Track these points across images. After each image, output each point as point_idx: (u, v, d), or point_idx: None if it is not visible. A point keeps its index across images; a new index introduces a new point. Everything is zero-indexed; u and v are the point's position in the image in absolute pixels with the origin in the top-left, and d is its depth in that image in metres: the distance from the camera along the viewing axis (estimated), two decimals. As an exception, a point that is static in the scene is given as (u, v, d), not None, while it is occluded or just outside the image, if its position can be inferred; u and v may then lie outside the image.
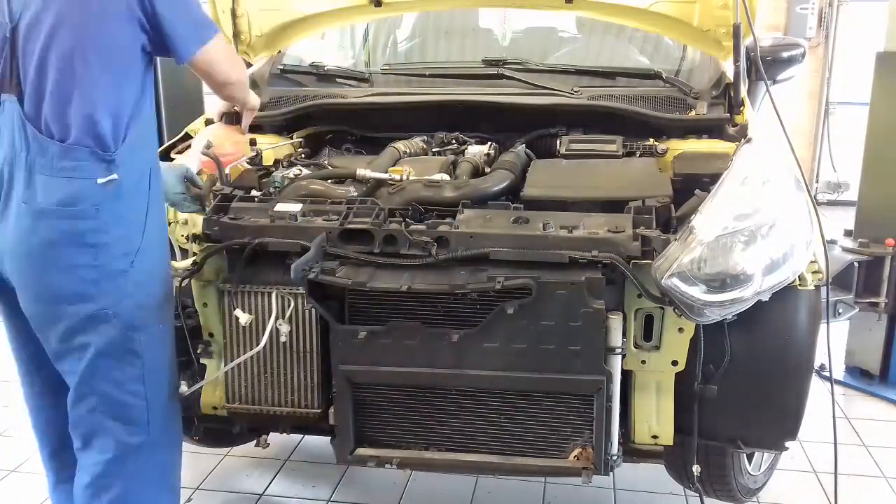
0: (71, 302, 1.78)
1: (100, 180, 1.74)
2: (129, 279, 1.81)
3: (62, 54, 1.72)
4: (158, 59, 1.95)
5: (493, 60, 2.79)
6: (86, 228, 1.74)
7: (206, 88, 5.55)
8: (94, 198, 1.74)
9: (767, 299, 1.81)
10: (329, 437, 2.09)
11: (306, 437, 3.03)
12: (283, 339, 1.99)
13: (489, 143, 2.49)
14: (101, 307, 1.79)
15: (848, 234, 3.63)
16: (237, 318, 1.99)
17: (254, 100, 2.36)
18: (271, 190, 2.16)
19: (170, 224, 2.19)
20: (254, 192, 2.13)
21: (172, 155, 2.34)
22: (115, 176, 1.75)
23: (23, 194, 1.74)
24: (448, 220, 1.95)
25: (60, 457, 2.08)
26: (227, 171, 2.22)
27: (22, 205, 1.74)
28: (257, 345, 1.98)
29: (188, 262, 2.10)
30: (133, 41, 1.78)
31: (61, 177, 1.73)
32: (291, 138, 2.58)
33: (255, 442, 2.30)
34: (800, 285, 1.92)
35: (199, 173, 2.19)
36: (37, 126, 1.74)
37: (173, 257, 2.14)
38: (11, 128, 1.76)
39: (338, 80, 2.88)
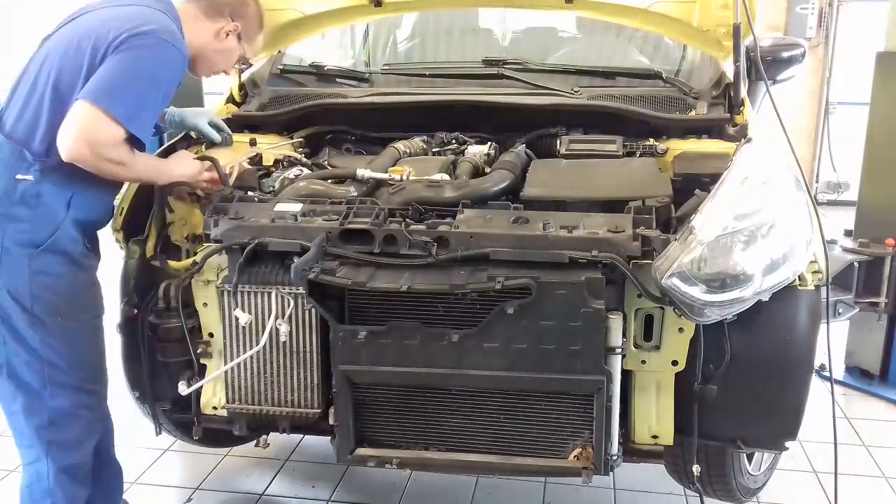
0: None
1: (18, 176, 1.94)
2: (26, 268, 1.96)
3: (47, 73, 1.96)
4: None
5: (493, 60, 2.80)
6: (2, 211, 1.94)
7: (206, 88, 5.58)
8: (10, 188, 1.94)
9: (767, 299, 1.81)
10: (329, 437, 2.10)
11: (306, 437, 3.03)
12: (282, 338, 1.99)
13: (489, 143, 2.49)
14: (2, 281, 1.96)
15: (848, 234, 3.63)
16: (237, 318, 1.99)
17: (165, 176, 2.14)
18: (266, 191, 2.17)
19: (170, 224, 2.19)
20: (250, 194, 2.13)
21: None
22: (30, 177, 1.94)
23: None
24: (448, 220, 1.95)
25: None
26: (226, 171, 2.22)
27: None
28: (257, 345, 1.98)
29: (188, 261, 2.10)
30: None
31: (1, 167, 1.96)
32: (291, 138, 2.58)
33: (255, 442, 2.30)
34: (800, 285, 1.92)
35: (187, 185, 2.19)
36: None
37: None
38: None
39: (338, 80, 2.88)
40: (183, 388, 2.11)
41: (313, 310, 1.96)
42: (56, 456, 2.08)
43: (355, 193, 2.11)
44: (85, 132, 1.86)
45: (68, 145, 1.86)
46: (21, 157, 1.94)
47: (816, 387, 2.12)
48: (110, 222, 2.21)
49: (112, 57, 1.90)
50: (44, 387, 2.03)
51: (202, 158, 2.24)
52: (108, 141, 1.88)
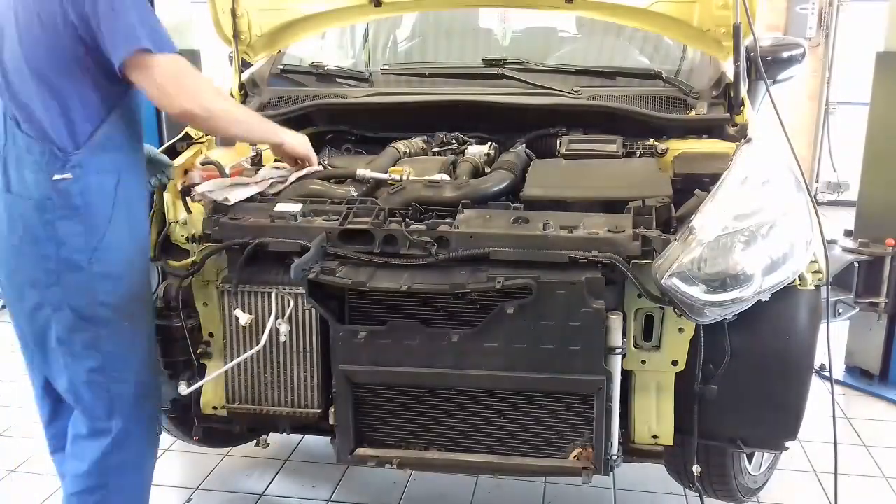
0: (32, 286, 1.88)
1: (55, 177, 1.81)
2: (86, 274, 1.85)
3: (18, 55, 1.81)
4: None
5: (493, 60, 2.79)
6: (44, 220, 1.82)
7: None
8: (51, 192, 1.81)
9: (767, 299, 1.81)
10: (329, 437, 2.10)
11: (306, 437, 3.03)
12: (282, 338, 1.99)
13: (489, 143, 2.49)
14: (57, 297, 1.86)
15: (848, 234, 3.63)
16: (237, 318, 1.99)
17: (285, 138, 2.13)
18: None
19: (170, 224, 2.19)
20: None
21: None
22: (68, 175, 1.81)
23: (1, 182, 1.87)
24: (448, 220, 1.95)
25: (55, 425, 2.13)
26: (227, 171, 2.22)
27: (0, 192, 1.87)
28: (257, 345, 1.98)
29: (188, 261, 2.10)
30: (77, 49, 1.79)
31: (26, 168, 1.83)
32: None
33: (255, 442, 2.30)
34: (800, 285, 1.92)
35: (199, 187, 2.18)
36: (14, 119, 1.84)
37: (168, 257, 2.14)
38: (1, 121, 1.87)
39: (338, 80, 2.88)
40: (183, 388, 2.11)
41: (313, 310, 1.96)
42: (120, 484, 2.02)
43: (355, 193, 2.11)
44: (171, 80, 1.80)
45: (174, 101, 1.81)
46: (52, 155, 1.81)
47: (816, 387, 2.12)
48: None
49: (96, 8, 1.73)
50: (110, 410, 1.96)
51: (205, 161, 2.24)
52: (191, 74, 1.85)
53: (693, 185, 2.02)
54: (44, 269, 1.85)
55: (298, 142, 2.17)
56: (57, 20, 1.76)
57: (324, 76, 2.89)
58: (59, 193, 1.81)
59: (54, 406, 2.10)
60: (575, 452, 1.94)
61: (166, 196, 2.18)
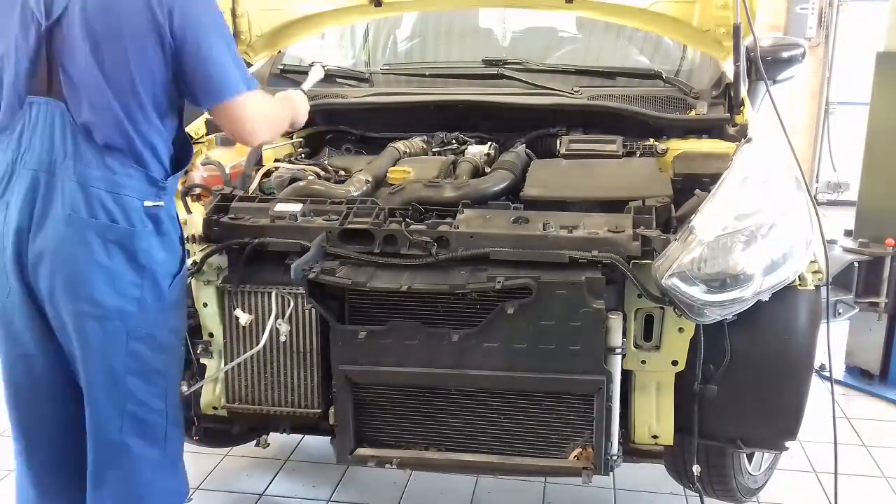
0: (111, 317, 1.74)
1: (147, 203, 1.75)
2: (166, 302, 1.82)
3: (97, 75, 1.68)
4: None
5: (493, 60, 2.80)
6: (136, 247, 1.74)
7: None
8: (143, 219, 1.74)
9: (767, 299, 1.81)
10: (329, 437, 2.10)
11: (306, 437, 3.03)
12: (282, 338, 1.99)
13: (489, 143, 2.49)
14: (139, 325, 1.78)
15: (848, 234, 3.63)
16: (237, 318, 1.99)
17: (302, 116, 2.20)
18: (266, 193, 2.17)
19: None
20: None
21: None
22: (161, 203, 1.78)
23: (71, 203, 1.69)
24: (448, 220, 1.95)
25: None
26: (227, 171, 2.22)
27: (70, 214, 1.68)
28: (257, 345, 1.98)
29: (188, 261, 2.10)
30: (163, 73, 1.72)
31: (113, 191, 1.71)
32: (291, 138, 2.58)
33: (255, 442, 2.30)
34: (800, 285, 1.92)
35: (200, 187, 2.18)
36: (91, 132, 1.69)
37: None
38: (50, 132, 1.69)
39: (338, 80, 2.88)
40: (183, 389, 2.11)
41: (313, 310, 1.95)
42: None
43: (355, 193, 2.11)
44: (261, 117, 1.84)
45: (260, 138, 1.91)
46: (148, 180, 1.74)
47: (816, 387, 2.11)
48: None
49: (196, 37, 1.70)
50: (164, 436, 1.89)
51: (205, 161, 2.24)
52: (272, 106, 1.93)
53: (693, 185, 2.02)
54: (128, 298, 1.75)
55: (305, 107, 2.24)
56: (152, 41, 1.68)
57: (324, 76, 2.89)
58: (150, 220, 1.76)
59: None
60: (575, 452, 1.94)
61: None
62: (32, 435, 1.89)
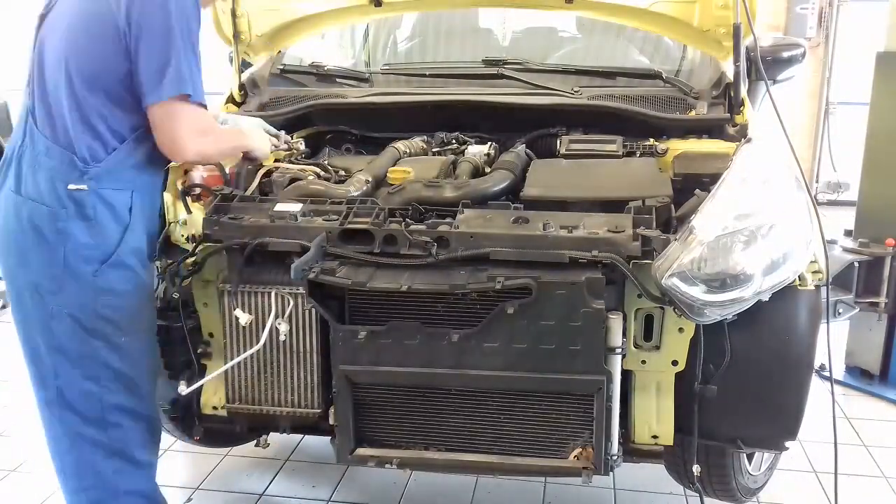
0: (36, 291, 1.85)
1: (70, 186, 1.81)
2: (89, 286, 1.85)
3: (57, 60, 1.81)
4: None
5: (493, 60, 2.79)
6: (56, 227, 1.81)
7: (206, 88, 5.57)
8: (65, 201, 1.80)
9: (767, 299, 1.81)
10: (329, 437, 2.09)
11: (306, 437, 3.03)
12: (282, 338, 1.99)
13: (489, 143, 2.49)
14: (59, 305, 1.85)
15: (848, 234, 3.63)
16: (237, 318, 1.99)
17: (259, 152, 2.19)
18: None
19: (169, 224, 2.19)
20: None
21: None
22: (84, 187, 1.81)
23: (12, 182, 1.85)
24: (448, 220, 1.95)
25: None
26: (227, 171, 2.22)
27: (6, 190, 1.86)
28: (257, 344, 1.98)
29: (189, 261, 2.10)
30: (118, 66, 1.79)
31: (41, 172, 1.82)
32: (291, 138, 2.58)
33: (255, 442, 2.30)
34: (800, 285, 1.92)
35: (200, 187, 2.18)
36: (34, 120, 1.85)
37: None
38: (21, 119, 1.88)
39: (338, 80, 2.88)
40: (183, 388, 2.11)
41: (313, 310, 1.95)
42: (117, 490, 2.02)
43: (355, 193, 2.11)
44: (192, 129, 1.81)
45: (186, 152, 1.84)
46: (71, 164, 1.81)
47: (816, 387, 2.11)
48: None
49: (143, 34, 1.74)
50: (102, 416, 1.95)
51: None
52: (211, 126, 1.87)
53: (693, 185, 2.02)
54: (49, 275, 1.84)
55: (260, 143, 2.20)
56: (110, 33, 1.76)
57: (324, 76, 2.89)
58: (74, 203, 1.81)
59: None
60: (575, 452, 1.94)
61: (166, 196, 2.18)
62: None
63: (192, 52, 1.82)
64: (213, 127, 1.97)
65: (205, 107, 1.89)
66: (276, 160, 2.43)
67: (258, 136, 2.22)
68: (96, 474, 1.99)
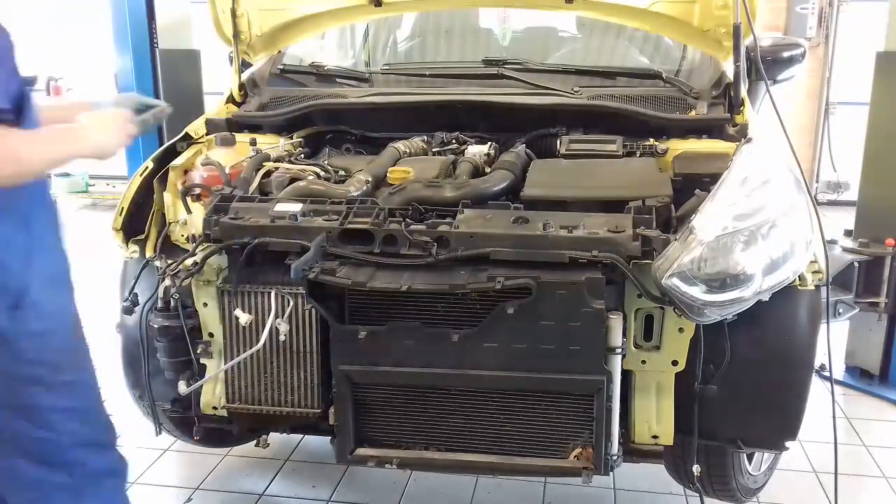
0: None
1: None
2: (9, 337, 1.63)
3: None
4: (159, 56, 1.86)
5: (493, 60, 2.80)
6: None
7: (206, 88, 5.59)
8: None
9: (767, 299, 1.81)
10: (329, 437, 2.10)
11: (306, 437, 3.03)
12: (282, 338, 1.99)
13: (489, 143, 2.49)
14: None
15: (848, 234, 3.63)
16: (237, 318, 1.99)
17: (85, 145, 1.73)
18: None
19: (170, 224, 2.19)
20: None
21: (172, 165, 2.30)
22: None
23: None
24: (448, 220, 1.95)
25: None
26: (227, 171, 2.22)
27: None
28: (257, 344, 1.98)
29: (190, 261, 2.10)
30: None
31: None
32: (291, 138, 2.58)
33: (255, 442, 2.30)
34: (800, 285, 1.92)
35: (200, 187, 2.18)
36: None
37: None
38: None
39: (338, 80, 2.88)
40: (183, 388, 2.11)
41: (313, 310, 1.95)
42: None
43: (355, 193, 2.11)
44: None
45: None
46: None
47: (816, 387, 2.12)
48: (113, 223, 2.18)
49: None
50: (64, 460, 1.77)
51: (205, 161, 2.24)
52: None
53: (693, 185, 2.02)
54: None
55: (101, 143, 1.76)
56: None
57: (324, 76, 2.89)
58: None
59: None
60: (575, 452, 1.94)
61: (166, 196, 2.18)
62: None
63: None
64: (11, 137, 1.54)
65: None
66: (276, 160, 2.43)
67: (95, 132, 1.75)
68: None
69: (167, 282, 2.09)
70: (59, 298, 1.73)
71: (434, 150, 2.49)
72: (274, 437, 2.28)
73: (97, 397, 1.86)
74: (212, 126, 2.55)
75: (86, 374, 1.83)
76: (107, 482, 1.89)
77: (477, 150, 2.41)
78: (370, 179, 2.18)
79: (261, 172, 2.26)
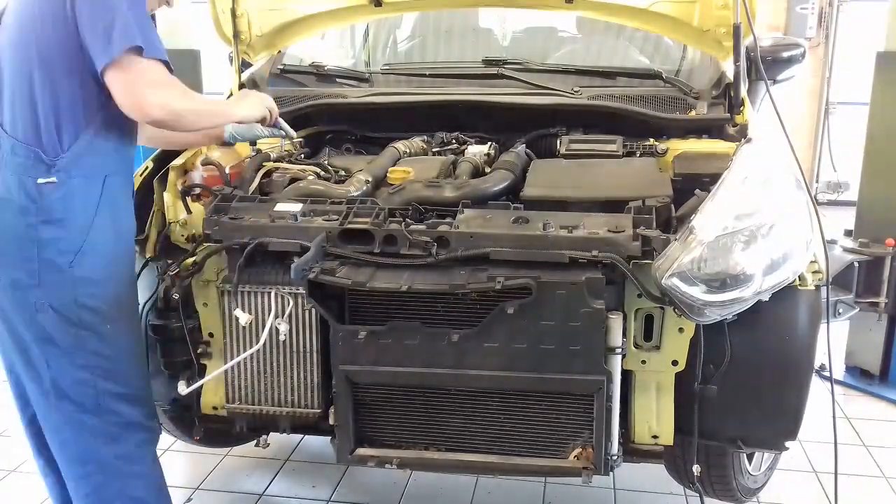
0: (17, 287, 1.86)
1: (39, 181, 1.81)
2: (67, 276, 1.85)
3: (14, 55, 1.83)
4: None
5: (493, 60, 2.80)
6: (27, 223, 1.82)
7: (206, 88, 5.58)
8: (35, 195, 1.82)
9: (767, 299, 1.81)
10: (329, 437, 2.09)
11: (306, 437, 3.03)
12: (282, 337, 1.99)
13: (489, 143, 2.49)
14: (41, 298, 1.85)
15: (848, 234, 3.63)
16: (237, 318, 1.99)
17: (243, 116, 2.13)
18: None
19: (170, 224, 2.19)
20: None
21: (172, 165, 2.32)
22: (53, 179, 1.81)
23: None
24: (448, 220, 1.95)
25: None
26: (227, 171, 2.22)
27: None
28: (257, 344, 1.98)
29: (190, 261, 2.10)
30: (70, 47, 1.77)
31: (9, 170, 1.84)
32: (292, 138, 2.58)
33: (255, 442, 2.30)
34: (800, 285, 1.92)
35: (200, 187, 2.19)
36: (2, 126, 1.86)
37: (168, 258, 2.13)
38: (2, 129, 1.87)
39: (338, 80, 2.88)
40: (183, 388, 2.11)
41: (313, 310, 1.95)
42: (120, 472, 2.02)
43: (355, 193, 2.11)
44: (150, 81, 1.75)
45: (149, 107, 1.76)
46: (38, 159, 1.81)
47: (816, 387, 2.11)
48: None
49: (84, 2, 1.72)
50: (98, 403, 1.95)
51: (205, 161, 2.24)
52: (174, 81, 1.80)
53: (693, 185, 2.02)
54: (26, 271, 1.84)
55: (252, 106, 2.15)
56: (56, 15, 1.76)
57: (324, 76, 2.89)
58: (42, 197, 1.82)
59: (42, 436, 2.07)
60: (575, 452, 1.94)
61: (166, 196, 2.18)
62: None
63: (140, 11, 1.78)
64: (175, 81, 1.84)
65: (167, 64, 1.82)
66: (276, 160, 2.43)
67: (246, 102, 2.15)
68: (98, 461, 1.99)
69: (167, 282, 2.09)
70: (121, 252, 1.95)
71: (434, 150, 2.49)
72: (274, 437, 2.28)
73: (140, 357, 2.04)
74: None
75: (131, 332, 2.01)
76: (138, 435, 2.04)
77: (477, 150, 2.41)
78: (370, 179, 2.18)
79: (261, 172, 2.26)
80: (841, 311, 3.28)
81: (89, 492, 2.01)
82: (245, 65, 2.88)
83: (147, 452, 2.09)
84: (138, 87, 1.76)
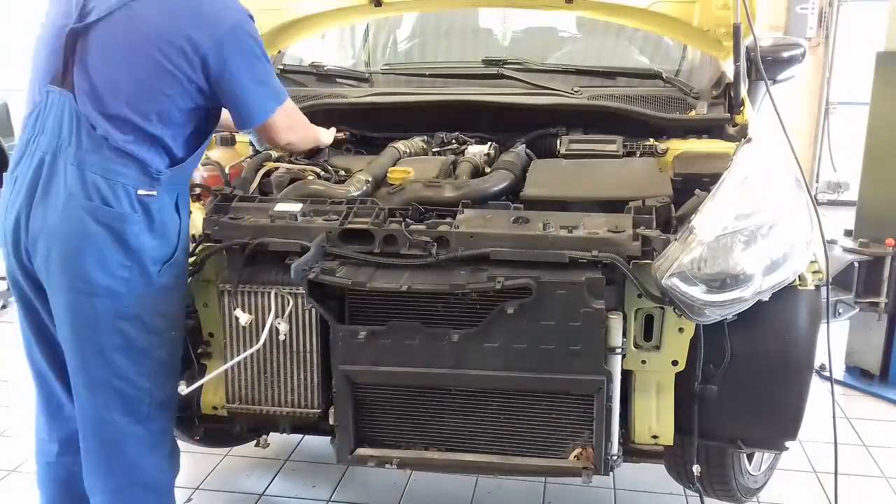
0: (100, 294, 1.85)
1: (140, 192, 1.85)
2: (154, 285, 1.90)
3: (114, 83, 1.84)
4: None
5: (494, 60, 2.80)
6: (126, 230, 1.84)
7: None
8: (136, 206, 1.85)
9: (767, 299, 1.81)
10: (329, 437, 2.10)
11: (306, 437, 3.03)
12: (282, 337, 1.99)
13: (489, 143, 2.49)
14: (126, 305, 1.88)
15: (848, 234, 3.63)
16: (237, 318, 1.99)
17: (323, 138, 2.40)
18: None
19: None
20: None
21: None
22: (154, 192, 1.87)
23: (69, 185, 1.82)
24: (448, 220, 1.95)
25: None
26: (227, 171, 2.23)
27: (69, 195, 1.82)
28: (257, 343, 1.98)
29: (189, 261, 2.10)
30: (185, 102, 1.87)
31: (108, 177, 1.83)
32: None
33: (255, 442, 2.30)
34: (800, 285, 1.92)
35: (200, 187, 2.20)
36: (93, 124, 1.82)
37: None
38: (59, 120, 1.84)
39: (338, 80, 2.88)
40: (183, 388, 2.11)
41: (313, 310, 1.96)
42: (159, 487, 2.06)
43: (355, 193, 2.11)
44: (286, 127, 2.04)
45: (299, 145, 2.21)
46: (143, 171, 1.85)
47: (816, 387, 2.11)
48: None
49: (236, 75, 1.88)
50: (149, 413, 1.98)
51: (205, 161, 2.24)
52: (301, 122, 2.16)
53: (693, 185, 2.02)
54: (115, 278, 1.85)
55: (328, 136, 2.44)
56: (179, 83, 1.84)
57: (324, 76, 2.89)
58: (143, 207, 1.86)
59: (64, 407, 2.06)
60: (575, 452, 1.94)
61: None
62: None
63: (263, 61, 1.96)
64: (300, 115, 2.20)
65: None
66: (276, 160, 2.43)
67: (328, 133, 2.44)
68: (138, 470, 2.01)
69: None
70: (184, 258, 2.00)
71: (434, 150, 2.49)
72: (274, 437, 2.28)
73: (176, 367, 2.06)
74: None
75: (180, 335, 2.05)
76: (168, 444, 2.08)
77: (477, 150, 2.41)
78: (370, 179, 2.18)
79: (261, 172, 2.26)
80: (841, 311, 3.28)
81: None
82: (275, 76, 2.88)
83: (173, 466, 2.12)
84: (283, 135, 2.06)
